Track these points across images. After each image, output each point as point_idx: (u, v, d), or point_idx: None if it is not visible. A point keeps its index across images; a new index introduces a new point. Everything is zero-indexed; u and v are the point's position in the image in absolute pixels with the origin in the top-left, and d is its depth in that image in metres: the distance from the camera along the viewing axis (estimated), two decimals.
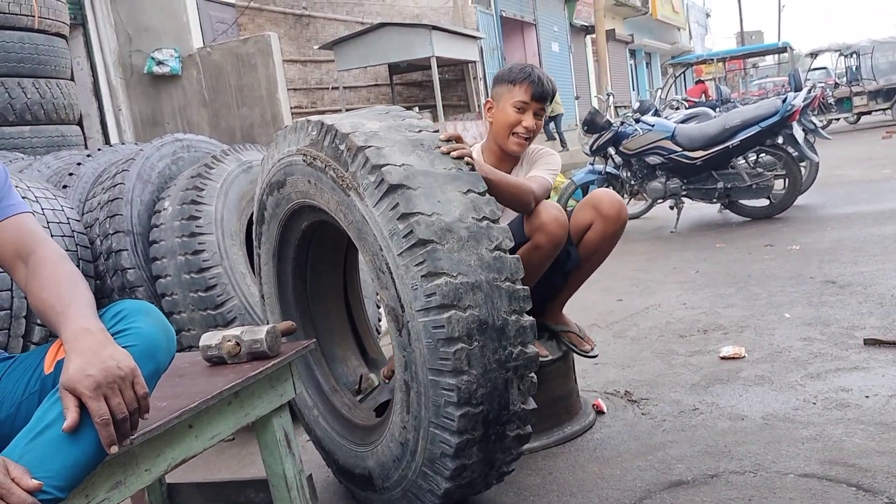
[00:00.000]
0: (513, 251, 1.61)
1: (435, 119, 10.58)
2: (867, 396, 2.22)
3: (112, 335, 1.08)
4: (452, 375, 1.48)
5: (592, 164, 6.23)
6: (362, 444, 1.83)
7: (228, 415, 1.44)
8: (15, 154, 3.82)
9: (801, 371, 2.51)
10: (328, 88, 10.67)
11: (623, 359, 2.92)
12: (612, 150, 5.97)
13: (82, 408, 1.00)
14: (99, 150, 3.39)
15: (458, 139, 1.74)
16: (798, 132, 5.54)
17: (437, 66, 10.37)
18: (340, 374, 2.12)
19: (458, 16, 12.55)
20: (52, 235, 2.45)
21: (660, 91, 10.30)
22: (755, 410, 2.24)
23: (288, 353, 1.59)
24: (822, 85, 13.28)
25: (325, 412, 2.01)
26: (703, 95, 14.26)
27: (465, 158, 1.68)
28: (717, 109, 9.81)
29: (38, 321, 2.27)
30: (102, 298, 2.61)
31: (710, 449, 2.02)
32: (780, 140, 5.59)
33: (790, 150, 5.59)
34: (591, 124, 5.97)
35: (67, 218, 2.59)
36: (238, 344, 1.54)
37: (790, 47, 15.57)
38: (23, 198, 2.42)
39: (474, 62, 12.16)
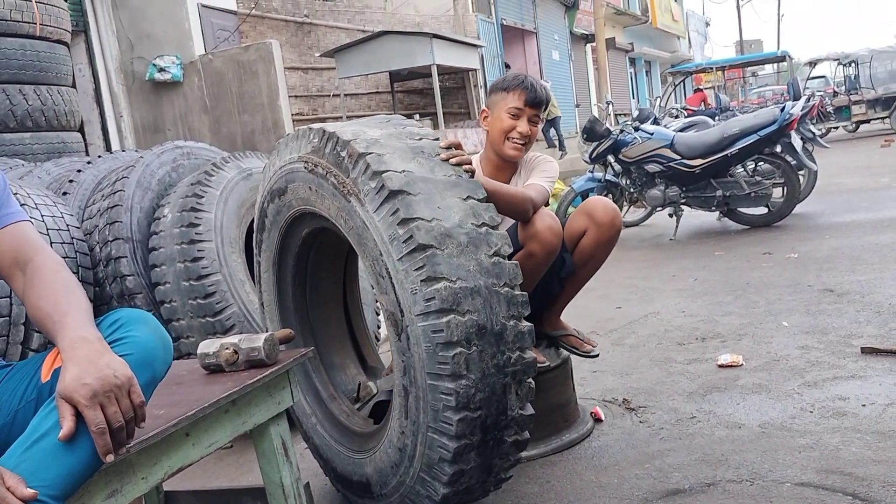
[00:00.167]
0: (510, 258, 1.62)
1: (436, 126, 10.61)
2: (864, 405, 2.22)
3: (109, 344, 1.08)
4: (451, 380, 1.49)
5: (592, 172, 6.26)
6: (360, 451, 1.83)
7: (225, 423, 1.44)
8: (15, 160, 3.83)
9: (799, 379, 2.51)
10: (329, 96, 10.71)
11: (622, 366, 2.92)
12: (611, 158, 6.00)
13: (79, 417, 1.00)
14: (99, 157, 3.41)
15: (458, 146, 1.76)
16: (796, 141, 5.56)
17: (438, 74, 10.41)
18: (339, 382, 2.13)
19: (458, 24, 12.61)
20: (51, 242, 2.46)
21: (659, 100, 10.34)
22: (752, 419, 2.24)
23: (286, 361, 1.59)
24: (821, 93, 13.33)
25: (324, 420, 2.01)
26: (703, 104, 14.31)
27: (465, 166, 1.69)
28: (717, 118, 9.84)
29: (37, 328, 2.28)
30: (101, 305, 2.61)
31: (708, 457, 2.02)
32: (778, 149, 5.61)
33: (788, 158, 5.61)
34: (591, 132, 6.00)
35: (67, 225, 2.60)
36: (236, 352, 1.55)
37: (789, 56, 15.63)
38: (22, 205, 2.46)
39: (475, 70, 12.21)
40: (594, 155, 6.02)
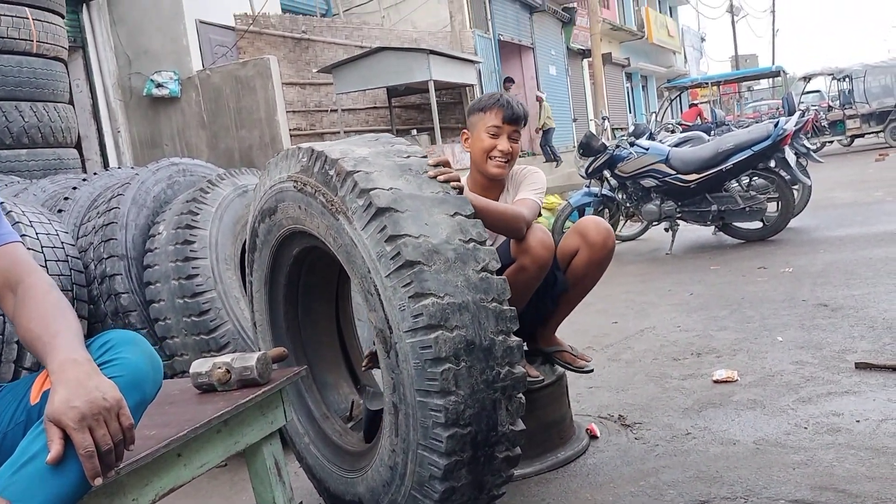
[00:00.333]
0: (500, 272, 1.63)
1: (433, 141, 10.64)
2: (858, 421, 2.22)
3: (99, 366, 1.09)
4: (440, 396, 1.49)
5: (589, 187, 6.28)
6: (353, 470, 1.83)
7: (218, 443, 1.44)
8: (11, 177, 3.84)
9: (793, 395, 2.51)
10: (327, 111, 10.74)
11: (617, 382, 2.92)
12: (607, 173, 6.03)
13: (67, 439, 1.00)
14: (95, 174, 3.41)
15: (447, 164, 1.77)
16: (790, 156, 5.59)
17: (436, 90, 10.46)
18: (332, 401, 2.13)
19: (455, 40, 12.68)
20: (46, 260, 2.46)
21: (655, 114, 10.40)
22: (747, 435, 2.24)
23: (279, 380, 1.59)
24: (816, 108, 13.40)
25: (316, 439, 2.01)
26: (699, 118, 14.40)
27: (453, 182, 1.70)
28: (712, 132, 9.91)
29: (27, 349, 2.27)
30: (96, 323, 2.61)
31: (702, 474, 2.02)
32: (772, 164, 5.65)
33: (782, 173, 5.64)
34: (587, 148, 6.04)
35: (62, 242, 2.60)
36: (228, 371, 1.55)
37: (784, 71, 15.76)
38: (17, 223, 2.46)
39: (472, 85, 12.27)
40: (590, 170, 6.05)
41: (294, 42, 10.32)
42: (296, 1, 11.82)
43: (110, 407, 1.02)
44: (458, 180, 1.72)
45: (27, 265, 1.23)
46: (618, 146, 5.95)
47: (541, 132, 14.34)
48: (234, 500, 2.31)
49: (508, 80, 14.65)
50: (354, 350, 2.26)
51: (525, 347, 2.39)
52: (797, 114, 6.36)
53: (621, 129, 13.88)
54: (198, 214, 2.66)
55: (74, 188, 3.11)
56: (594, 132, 6.53)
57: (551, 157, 14.00)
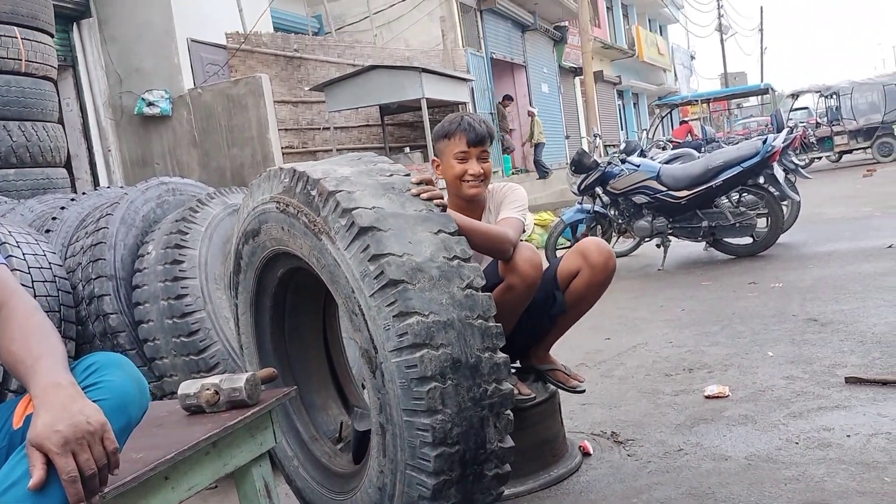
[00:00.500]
0: (488, 291, 1.62)
1: (426, 159, 10.67)
2: (848, 436, 2.22)
3: (83, 389, 1.07)
4: (427, 415, 1.48)
5: (581, 203, 6.32)
6: (342, 493, 1.81)
7: (206, 465, 1.42)
8: None
9: (784, 410, 2.51)
10: (319, 129, 10.77)
11: (610, 399, 2.92)
12: (599, 190, 6.07)
13: (50, 464, 0.98)
14: (83, 193, 3.40)
15: (430, 182, 1.77)
16: (779, 172, 5.64)
17: (428, 107, 10.51)
18: (321, 423, 2.11)
19: (448, 58, 12.77)
20: (33, 281, 2.44)
21: (646, 132, 10.50)
22: (739, 451, 2.23)
23: (268, 401, 1.58)
24: (804, 125, 13.55)
25: (305, 462, 1.99)
26: (689, 135, 14.52)
27: (436, 200, 1.70)
28: (703, 149, 9.99)
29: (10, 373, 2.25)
30: (84, 344, 2.59)
31: (694, 491, 2.01)
32: (761, 180, 5.69)
33: (772, 189, 5.69)
34: (579, 165, 6.10)
35: (50, 263, 2.58)
36: (217, 392, 1.54)
37: (772, 88, 15.96)
38: (3, 243, 2.44)
39: (465, 103, 12.35)
40: (583, 187, 6.09)
41: (286, 60, 10.36)
42: (288, 20, 11.88)
43: (94, 431, 1.00)
44: (442, 198, 1.72)
45: (10, 287, 1.22)
46: (609, 163, 5.99)
47: (533, 147, 14.45)
48: None
49: (507, 98, 14.78)
50: (343, 370, 2.25)
51: (518, 365, 2.40)
52: (786, 130, 6.44)
53: (613, 146, 13.98)
54: (187, 234, 2.65)
55: (63, 208, 3.09)
56: (586, 149, 6.59)
57: (544, 173, 14.08)
